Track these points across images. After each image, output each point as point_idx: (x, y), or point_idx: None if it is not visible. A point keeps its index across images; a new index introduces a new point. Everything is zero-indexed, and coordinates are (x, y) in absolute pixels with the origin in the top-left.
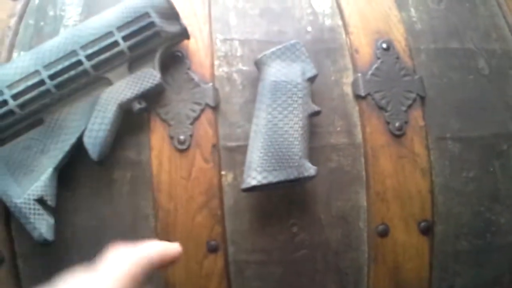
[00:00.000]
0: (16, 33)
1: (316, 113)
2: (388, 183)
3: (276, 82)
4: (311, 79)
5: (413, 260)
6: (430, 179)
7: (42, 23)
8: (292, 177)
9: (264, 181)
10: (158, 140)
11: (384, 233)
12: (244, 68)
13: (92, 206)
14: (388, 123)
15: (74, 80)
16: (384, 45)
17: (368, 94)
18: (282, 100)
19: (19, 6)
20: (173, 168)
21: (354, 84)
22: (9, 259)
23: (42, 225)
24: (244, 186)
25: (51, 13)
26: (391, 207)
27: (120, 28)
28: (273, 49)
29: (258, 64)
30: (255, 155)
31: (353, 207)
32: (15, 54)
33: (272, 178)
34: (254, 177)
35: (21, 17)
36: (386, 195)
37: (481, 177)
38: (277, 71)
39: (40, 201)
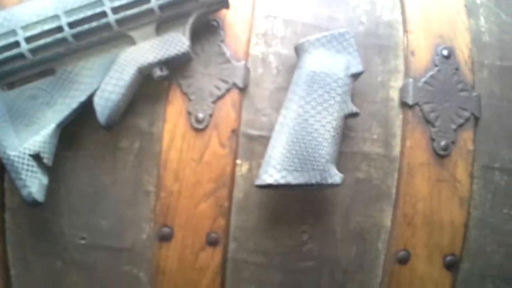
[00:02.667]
0: None
1: (353, 115)
2: (419, 207)
3: (314, 73)
4: (355, 76)
5: None
6: (467, 210)
7: None
8: (313, 181)
9: (282, 181)
10: (174, 113)
11: (403, 260)
12: (283, 51)
13: (92, 171)
14: (433, 139)
15: (95, 33)
16: (445, 52)
17: (417, 103)
18: (318, 94)
19: None
20: (184, 147)
21: (403, 89)
22: None
23: (34, 183)
24: (258, 182)
25: None
26: (417, 234)
27: None
28: (319, 35)
29: (299, 50)
30: (277, 151)
31: (374, 225)
32: None
33: (291, 179)
34: (271, 174)
35: None
36: (414, 219)
37: None
38: (319, 61)
39: (36, 157)
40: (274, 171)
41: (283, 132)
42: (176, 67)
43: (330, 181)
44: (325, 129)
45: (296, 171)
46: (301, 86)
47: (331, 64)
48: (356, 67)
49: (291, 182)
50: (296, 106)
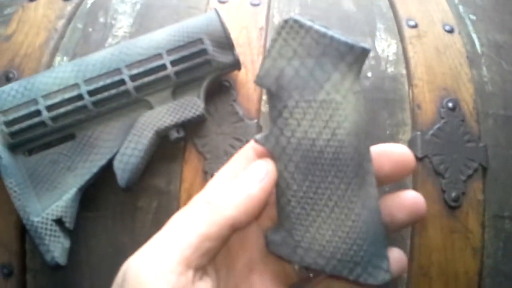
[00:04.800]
0: (62, 36)
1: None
2: (434, 258)
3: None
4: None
5: None
6: (481, 259)
7: (90, 29)
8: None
9: None
10: (191, 172)
11: None
12: None
13: (112, 231)
14: (443, 191)
15: (113, 99)
16: (450, 104)
17: (426, 156)
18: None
19: (69, 7)
20: None
21: (411, 142)
22: (18, 273)
23: (57, 248)
24: None
25: (101, 19)
26: (434, 285)
27: (170, 51)
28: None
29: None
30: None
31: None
32: (57, 59)
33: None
34: None
35: (69, 20)
36: (430, 270)
37: None
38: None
39: (59, 222)
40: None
41: None
42: (192, 127)
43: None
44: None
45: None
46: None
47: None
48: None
49: None
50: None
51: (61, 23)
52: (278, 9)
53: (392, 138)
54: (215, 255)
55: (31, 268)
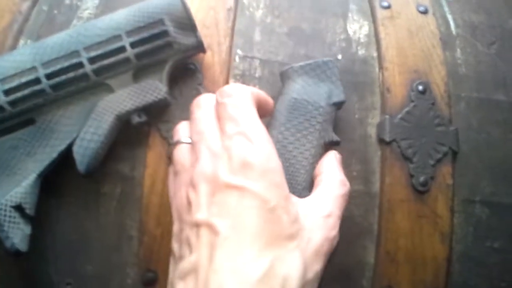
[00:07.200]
0: (26, 19)
1: (334, 143)
2: (401, 243)
3: (296, 100)
4: (337, 105)
5: None
6: (450, 245)
7: (55, 11)
8: None
9: None
10: (155, 158)
11: None
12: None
13: (76, 218)
14: (411, 176)
15: (72, 83)
16: (420, 87)
17: (394, 140)
18: (299, 121)
19: None
20: (165, 191)
21: (380, 126)
22: None
23: (16, 234)
24: None
25: (67, 1)
26: (401, 270)
27: (129, 32)
28: (302, 63)
29: (283, 77)
30: None
31: (358, 262)
32: (21, 42)
33: None
34: None
35: (35, 2)
36: (397, 255)
37: (507, 249)
38: (301, 88)
39: (18, 208)
40: None
41: None
42: (155, 112)
43: None
44: (303, 156)
45: None
46: (283, 112)
47: (313, 92)
48: (338, 96)
49: None
50: (276, 132)
51: (26, 5)
52: None
53: (361, 122)
54: None
55: None
